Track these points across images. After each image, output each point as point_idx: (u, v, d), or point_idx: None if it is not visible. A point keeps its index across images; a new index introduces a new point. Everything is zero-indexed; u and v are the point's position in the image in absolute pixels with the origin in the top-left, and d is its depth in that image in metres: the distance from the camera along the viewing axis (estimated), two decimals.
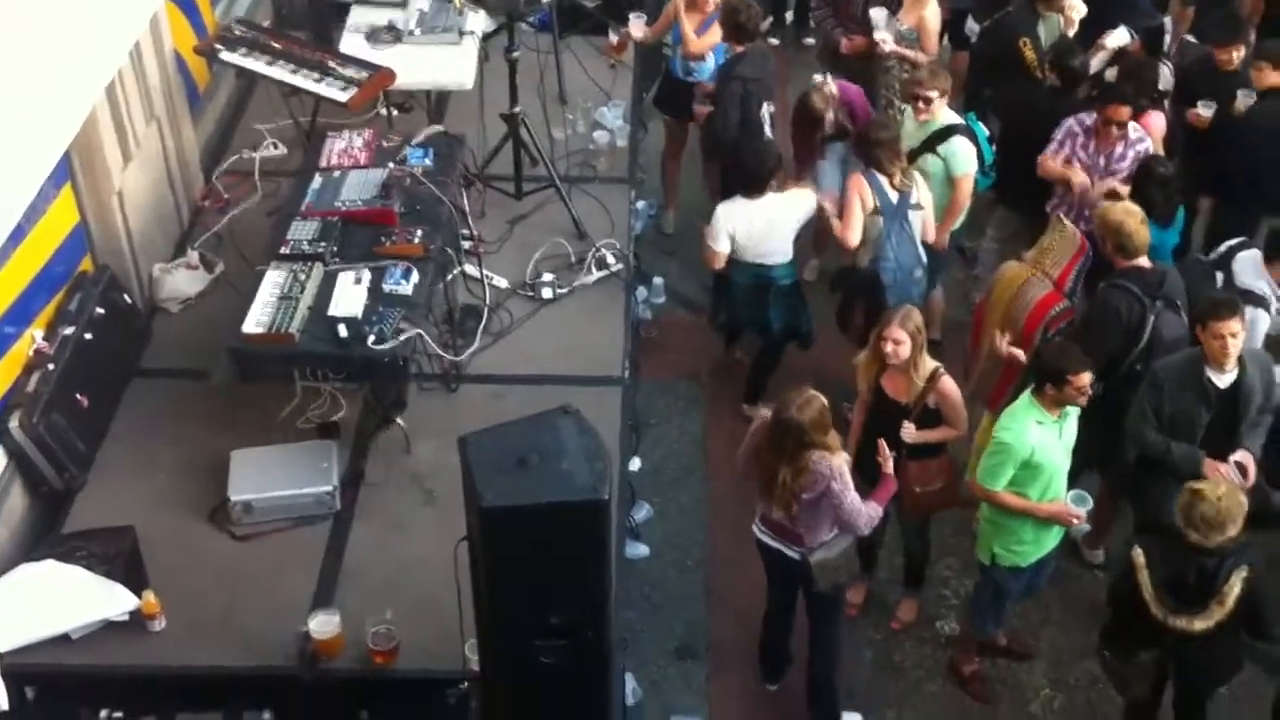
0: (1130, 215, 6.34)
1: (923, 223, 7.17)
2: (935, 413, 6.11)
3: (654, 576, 6.98)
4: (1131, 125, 7.25)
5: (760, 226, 7.07)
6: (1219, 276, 6.66)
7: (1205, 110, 7.70)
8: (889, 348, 5.96)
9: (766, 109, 7.96)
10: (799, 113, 7.84)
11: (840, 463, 5.56)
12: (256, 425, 6.12)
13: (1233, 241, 6.85)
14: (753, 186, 6.99)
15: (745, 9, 7.96)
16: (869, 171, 7.07)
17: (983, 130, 7.57)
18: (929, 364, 6.07)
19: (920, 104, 7.42)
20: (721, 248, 7.17)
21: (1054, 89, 7.82)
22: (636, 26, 8.55)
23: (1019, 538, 5.98)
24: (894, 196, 7.01)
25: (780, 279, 7.16)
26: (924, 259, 7.22)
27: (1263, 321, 6.47)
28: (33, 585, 5.32)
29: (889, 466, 5.77)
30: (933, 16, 8.48)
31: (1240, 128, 7.60)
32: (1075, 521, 6.05)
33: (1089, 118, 7.33)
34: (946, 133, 7.36)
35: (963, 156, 7.32)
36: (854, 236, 7.09)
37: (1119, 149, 7.23)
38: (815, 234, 8.32)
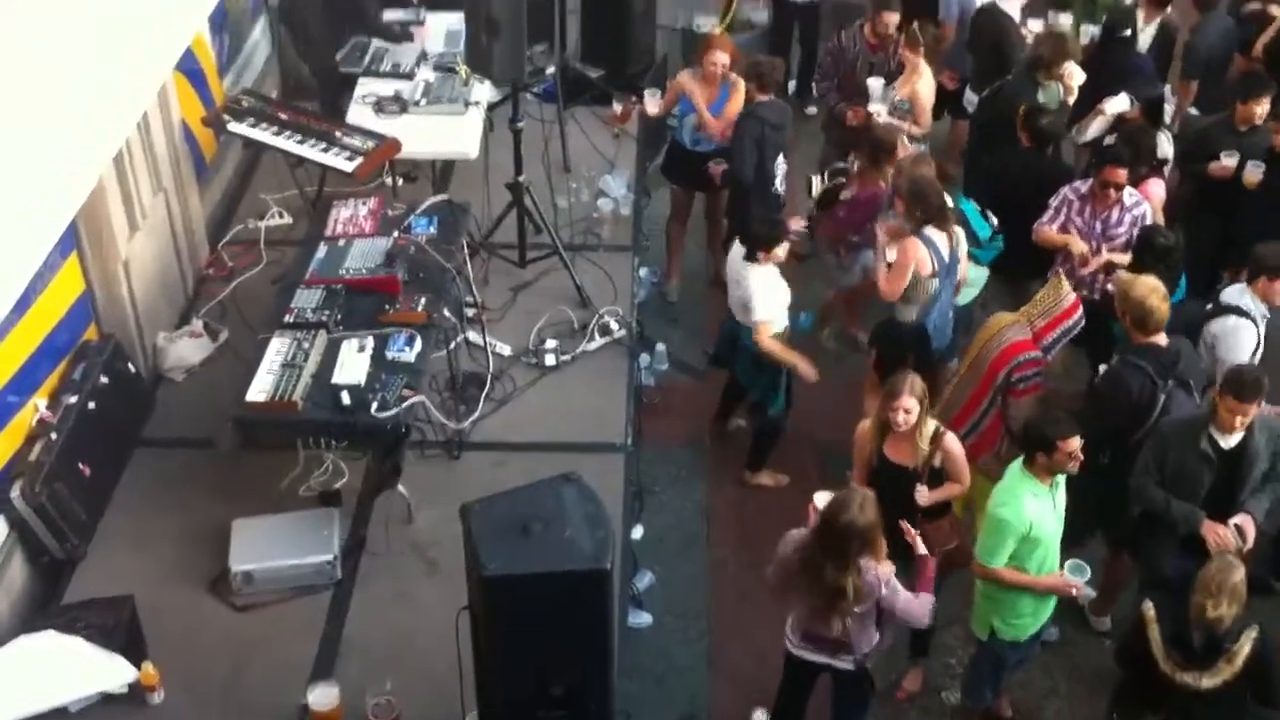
0: (1154, 292, 6.29)
1: (962, 268, 7.19)
2: (939, 471, 6.08)
3: (656, 646, 6.91)
4: (1128, 191, 7.25)
5: (731, 278, 7.12)
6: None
7: (1229, 159, 7.68)
8: (900, 416, 5.92)
9: (781, 161, 8.03)
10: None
11: (887, 571, 5.37)
12: (259, 493, 6.12)
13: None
14: (751, 249, 6.99)
15: (768, 63, 8.11)
16: (922, 234, 6.98)
17: (972, 207, 7.56)
18: (931, 424, 6.05)
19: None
20: None
21: (1053, 157, 7.87)
22: (651, 102, 8.61)
23: (1017, 611, 5.92)
24: (947, 255, 6.98)
25: (744, 340, 7.18)
26: (955, 304, 7.27)
27: (1246, 331, 6.49)
28: (32, 657, 5.28)
29: (921, 547, 5.63)
30: (926, 89, 8.55)
31: (1256, 194, 7.64)
32: (1074, 592, 5.99)
33: (1084, 185, 7.35)
34: None
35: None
36: (897, 294, 7.04)
37: (1115, 214, 7.22)
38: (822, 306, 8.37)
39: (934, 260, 6.91)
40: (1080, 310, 6.53)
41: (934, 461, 6.04)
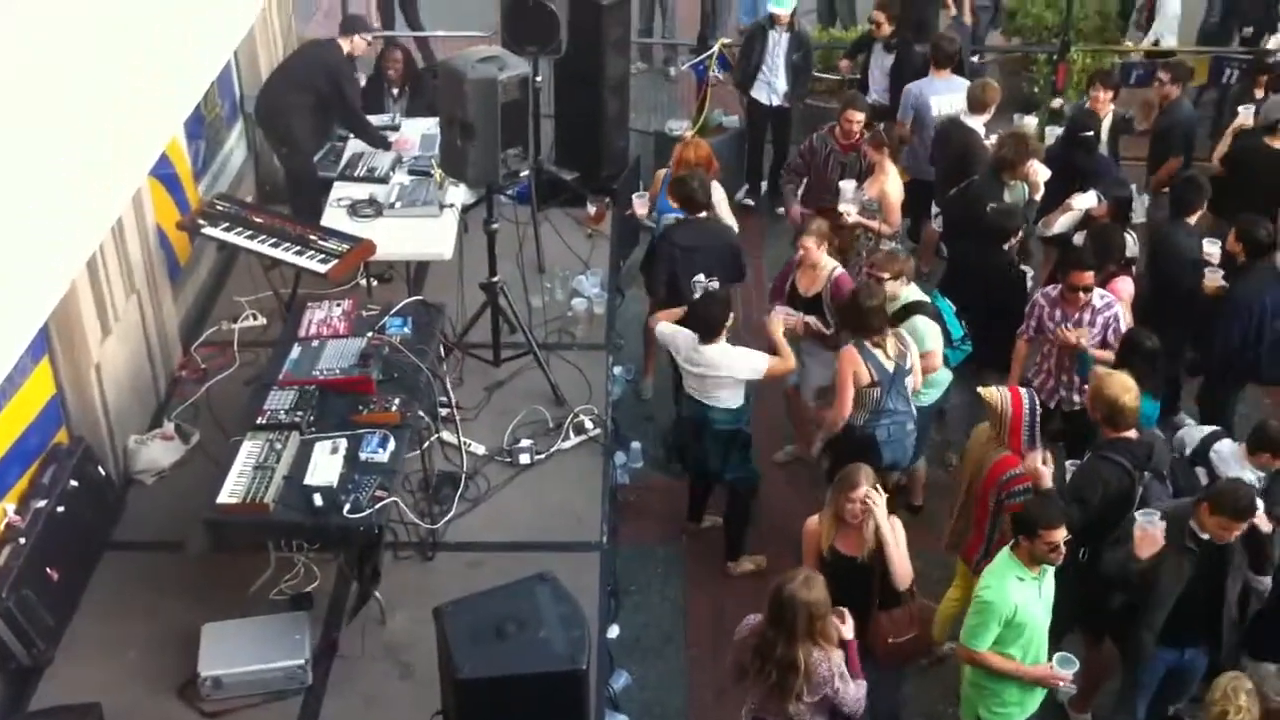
0: (1126, 391, 6.36)
1: (913, 380, 7.20)
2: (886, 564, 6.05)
3: None
4: (1099, 293, 7.34)
5: (699, 371, 7.11)
6: (1200, 472, 6.70)
7: (1214, 276, 7.72)
8: (856, 508, 5.92)
9: (700, 280, 7.88)
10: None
11: (839, 658, 5.36)
12: (229, 597, 6.04)
13: (1205, 433, 6.91)
14: (703, 332, 7.04)
15: (694, 181, 8.06)
16: (860, 343, 7.05)
17: (948, 305, 7.65)
18: (878, 515, 6.02)
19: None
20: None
21: (1008, 255, 8.00)
22: (640, 203, 8.72)
23: (1003, 699, 5.90)
24: (890, 366, 7.01)
25: (716, 422, 7.18)
26: (915, 415, 7.25)
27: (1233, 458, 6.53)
28: None
29: (850, 633, 5.62)
30: (894, 188, 8.68)
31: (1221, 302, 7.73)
32: (1061, 684, 5.96)
33: (1054, 289, 7.46)
34: (907, 312, 7.43)
35: (927, 335, 7.36)
36: (845, 415, 7.08)
37: (1086, 316, 7.33)
38: (790, 411, 8.40)
39: (873, 370, 6.97)
40: (1025, 397, 6.52)
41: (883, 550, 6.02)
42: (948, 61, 9.70)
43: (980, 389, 6.67)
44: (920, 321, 7.33)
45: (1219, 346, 7.74)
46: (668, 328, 7.31)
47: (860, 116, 8.86)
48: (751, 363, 7.12)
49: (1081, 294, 7.25)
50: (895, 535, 5.94)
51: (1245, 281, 7.65)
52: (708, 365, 7.06)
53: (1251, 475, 6.47)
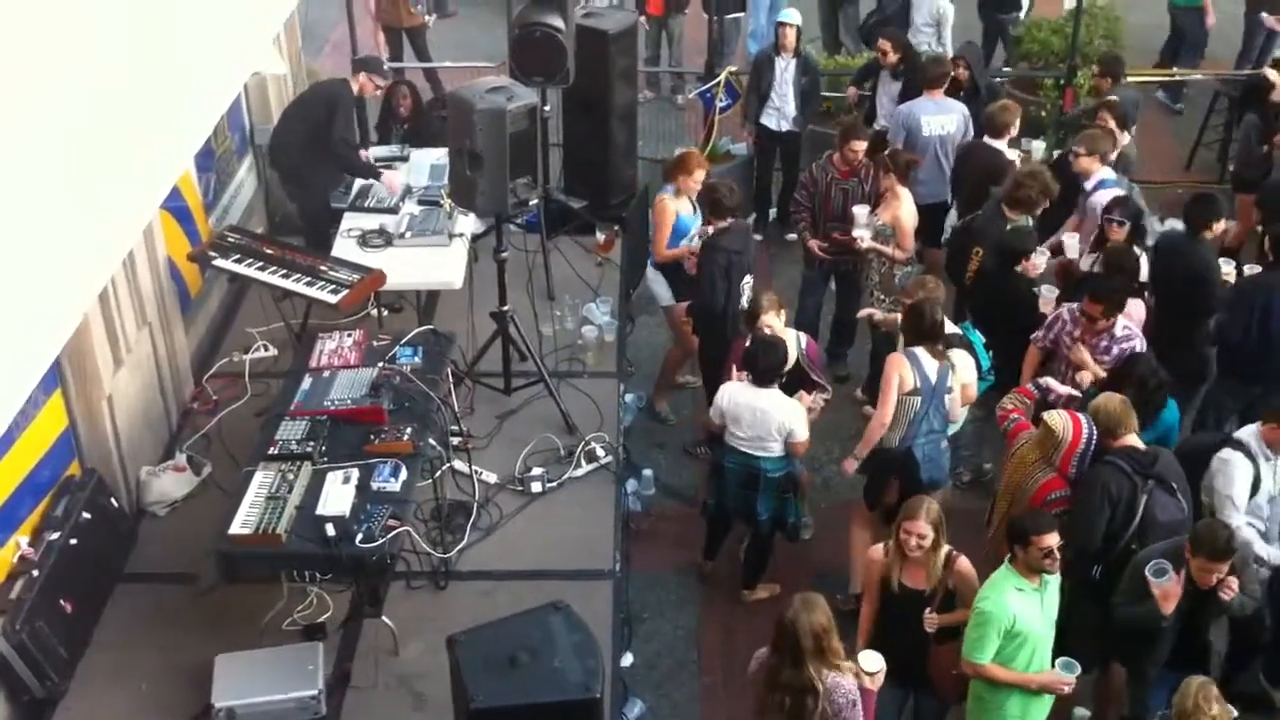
0: (1109, 400, 6.41)
1: (953, 403, 7.18)
2: (952, 594, 6.05)
3: None
4: (1121, 322, 7.31)
5: (750, 417, 7.06)
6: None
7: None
8: (913, 542, 5.91)
9: (747, 282, 8.10)
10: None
11: (854, 684, 5.33)
12: (242, 628, 6.04)
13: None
14: (761, 377, 7.01)
15: (723, 188, 8.17)
16: (909, 350, 7.06)
17: (978, 338, 7.64)
18: (944, 548, 6.03)
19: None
20: (716, 421, 7.22)
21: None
22: (686, 248, 8.49)
23: (1003, 714, 5.89)
24: (934, 377, 7.01)
25: (769, 470, 7.15)
26: (948, 431, 7.25)
27: (1241, 466, 6.48)
28: None
29: (877, 683, 5.52)
30: (907, 214, 8.68)
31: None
32: (1065, 689, 5.95)
33: (1078, 306, 7.43)
34: (944, 344, 7.41)
35: (963, 367, 7.36)
36: (886, 420, 7.06)
37: (1104, 342, 7.30)
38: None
39: (916, 377, 6.95)
40: (1085, 426, 6.52)
41: (948, 584, 6.01)
42: (938, 82, 9.74)
43: (1045, 414, 6.64)
44: (957, 355, 7.30)
45: (1220, 337, 7.79)
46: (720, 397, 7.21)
47: (862, 145, 8.86)
48: (802, 418, 7.06)
49: (1099, 322, 7.24)
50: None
51: (1259, 277, 7.72)
52: (761, 410, 7.01)
53: (1254, 440, 6.51)
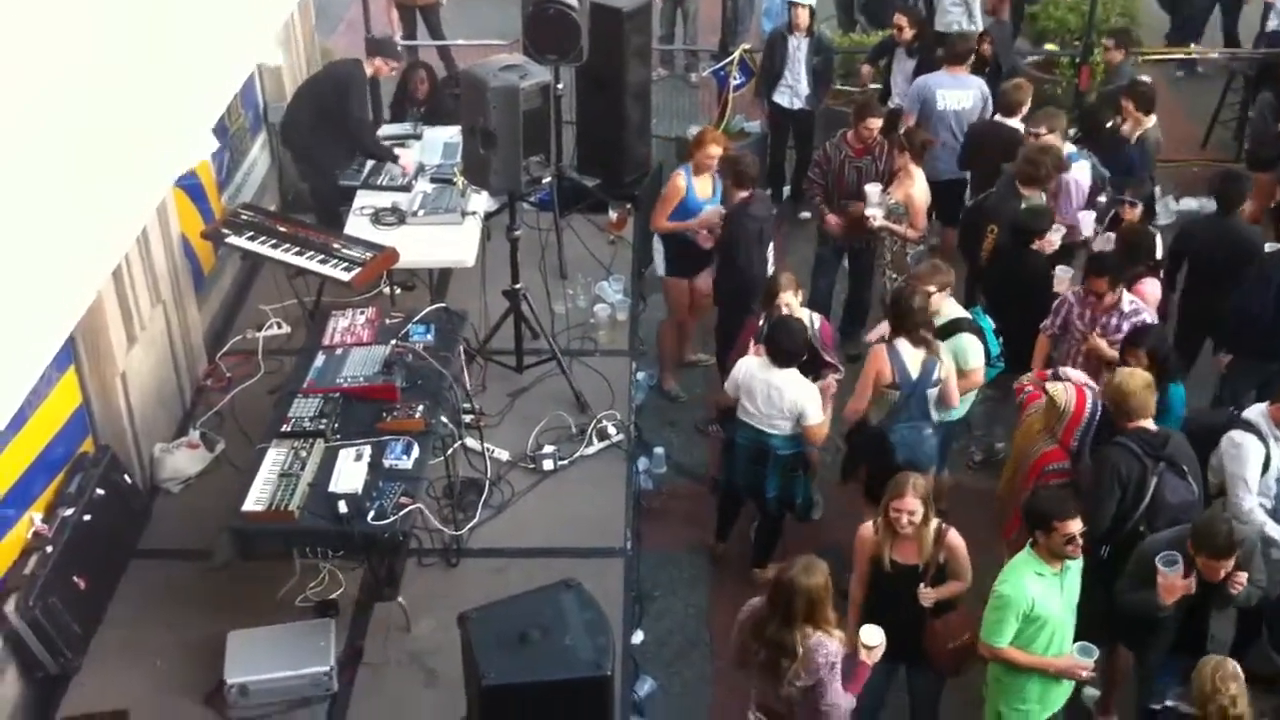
0: (1131, 378, 6.37)
1: (941, 392, 7.13)
2: (943, 568, 6.05)
3: None
4: (1128, 297, 7.29)
5: (764, 392, 7.04)
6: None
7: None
8: (904, 519, 5.91)
9: (770, 250, 8.12)
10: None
11: (838, 648, 5.36)
12: (255, 604, 6.07)
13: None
14: (780, 358, 6.98)
15: (747, 158, 8.26)
16: (892, 345, 7.01)
17: (988, 323, 7.59)
18: (934, 522, 6.03)
19: None
20: (730, 393, 7.22)
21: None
22: (705, 238, 8.44)
23: (1023, 697, 5.88)
24: (915, 373, 6.95)
25: (778, 448, 7.13)
26: (934, 419, 7.21)
27: (1253, 448, 6.44)
28: None
29: (875, 657, 5.49)
30: (920, 193, 8.65)
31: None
32: (1084, 674, 5.93)
33: (1083, 288, 7.41)
34: (952, 328, 7.34)
35: (970, 352, 7.30)
36: (860, 409, 7.06)
37: (1114, 320, 7.27)
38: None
39: (895, 372, 6.93)
40: (1089, 400, 6.52)
41: (939, 559, 6.01)
42: (962, 58, 9.69)
43: (1048, 385, 6.63)
44: (966, 339, 7.27)
45: (1234, 309, 7.79)
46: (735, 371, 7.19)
47: (877, 123, 8.83)
48: (816, 402, 7.01)
49: (1105, 298, 7.22)
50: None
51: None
52: (775, 388, 7.00)
53: (1264, 421, 6.49)
